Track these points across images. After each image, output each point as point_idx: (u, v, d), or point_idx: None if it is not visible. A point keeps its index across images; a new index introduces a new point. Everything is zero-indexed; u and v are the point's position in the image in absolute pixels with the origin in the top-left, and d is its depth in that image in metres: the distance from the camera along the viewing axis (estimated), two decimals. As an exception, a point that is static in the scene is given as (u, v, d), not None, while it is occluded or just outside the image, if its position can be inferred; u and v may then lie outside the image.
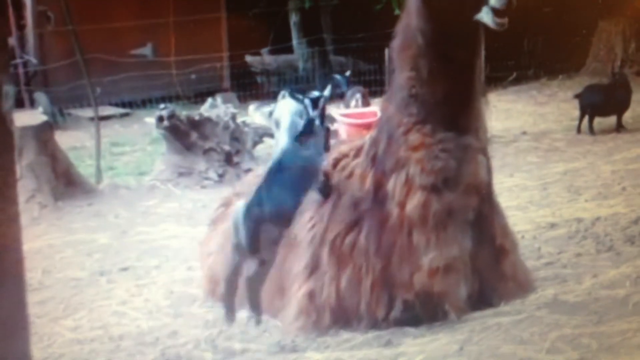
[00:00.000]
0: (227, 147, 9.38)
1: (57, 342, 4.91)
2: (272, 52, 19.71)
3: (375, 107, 9.91)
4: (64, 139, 11.21)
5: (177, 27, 16.66)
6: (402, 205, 4.41)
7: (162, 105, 9.95)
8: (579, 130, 10.50)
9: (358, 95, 10.56)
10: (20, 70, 15.05)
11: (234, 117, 9.74)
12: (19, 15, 15.38)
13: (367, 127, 7.91)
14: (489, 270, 4.59)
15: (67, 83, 14.40)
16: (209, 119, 9.46)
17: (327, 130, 4.84)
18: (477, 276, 4.54)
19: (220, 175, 9.24)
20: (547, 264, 5.29)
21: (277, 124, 9.15)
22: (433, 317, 4.43)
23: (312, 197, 4.66)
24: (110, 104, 15.42)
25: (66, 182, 8.54)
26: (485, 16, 4.14)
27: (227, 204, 5.56)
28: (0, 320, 2.63)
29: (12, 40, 14.93)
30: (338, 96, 10.41)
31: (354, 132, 9.09)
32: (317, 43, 18.69)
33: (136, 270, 6.24)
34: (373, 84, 14.84)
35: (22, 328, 2.79)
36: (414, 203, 4.39)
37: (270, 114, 11.36)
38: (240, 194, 5.50)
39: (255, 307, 4.69)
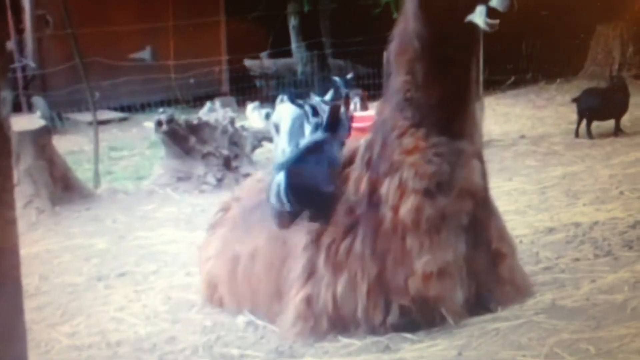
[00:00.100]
0: (225, 152, 9.37)
1: (55, 349, 4.90)
2: (271, 55, 19.71)
3: (374, 110, 9.90)
4: (62, 143, 11.22)
5: (176, 31, 16.66)
6: (395, 210, 4.41)
7: (160, 110, 9.94)
8: (577, 134, 10.50)
9: (356, 99, 10.54)
10: (19, 74, 15.05)
11: (232, 122, 9.73)
12: (18, 19, 15.38)
13: (365, 130, 7.90)
14: (485, 275, 4.59)
15: (65, 87, 14.39)
16: (207, 123, 9.45)
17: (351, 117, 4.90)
18: (474, 281, 4.54)
19: (219, 180, 9.23)
20: (545, 269, 5.28)
21: (277, 128, 9.14)
22: (430, 322, 4.43)
23: None
24: (109, 108, 15.42)
25: (64, 187, 8.52)
26: (477, 17, 4.15)
27: (226, 208, 5.56)
28: (-3, 326, 2.63)
29: (11, 44, 14.93)
30: (338, 98, 10.38)
31: (352, 136, 9.07)
32: (316, 47, 18.69)
33: (134, 276, 6.23)
34: (372, 88, 14.84)
35: (19, 334, 2.78)
36: (407, 207, 4.38)
37: (267, 115, 11.36)
38: (239, 198, 5.51)
39: None
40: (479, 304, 4.56)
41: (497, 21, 4.13)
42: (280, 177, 4.60)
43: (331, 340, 4.46)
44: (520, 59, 16.94)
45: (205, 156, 9.28)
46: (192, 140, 9.26)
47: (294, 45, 19.01)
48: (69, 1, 11.60)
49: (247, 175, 8.40)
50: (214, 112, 9.94)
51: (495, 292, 4.60)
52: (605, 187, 7.46)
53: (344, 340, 4.44)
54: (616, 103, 10.45)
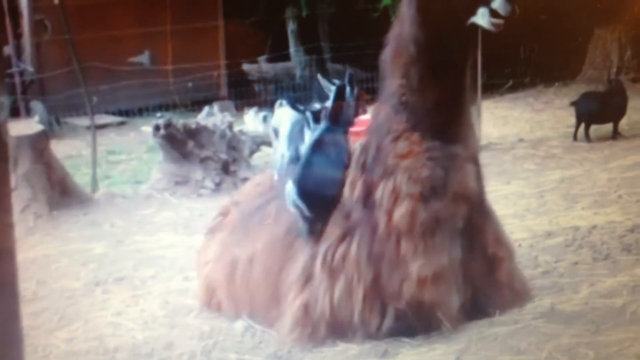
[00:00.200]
0: (223, 156, 9.36)
1: (52, 354, 4.88)
2: (270, 60, 19.70)
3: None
4: (60, 148, 11.20)
5: (174, 35, 16.66)
6: (389, 214, 4.40)
7: (159, 114, 9.93)
8: (575, 137, 10.49)
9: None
10: (17, 78, 15.04)
11: (230, 126, 9.72)
12: (16, 24, 15.38)
13: (362, 134, 7.89)
14: (482, 279, 4.58)
15: (63, 91, 14.38)
16: (205, 128, 9.44)
17: (357, 99, 4.88)
18: (470, 285, 4.53)
19: (217, 184, 9.21)
20: (544, 273, 5.28)
21: (276, 133, 9.12)
22: (426, 326, 4.42)
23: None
24: (107, 113, 15.40)
25: (62, 191, 8.51)
26: (481, 18, 4.14)
27: (224, 213, 5.55)
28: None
29: (9, 49, 14.93)
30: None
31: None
32: (315, 51, 18.68)
33: (132, 280, 6.21)
34: (370, 92, 14.83)
35: (16, 340, 2.77)
36: (401, 211, 4.38)
37: (265, 118, 11.33)
38: (237, 203, 5.50)
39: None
40: (477, 308, 4.55)
41: (501, 21, 4.10)
42: (290, 186, 4.58)
43: (329, 345, 4.45)
44: (519, 63, 16.92)
45: (203, 160, 9.27)
46: (190, 144, 9.25)
47: (292, 50, 18.99)
48: (67, 6, 11.60)
49: (245, 179, 8.39)
50: (212, 117, 9.93)
51: (493, 297, 4.59)
52: (603, 190, 7.46)
53: (342, 345, 4.43)
54: (614, 107, 10.44)
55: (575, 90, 13.75)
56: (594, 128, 10.47)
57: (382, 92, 4.63)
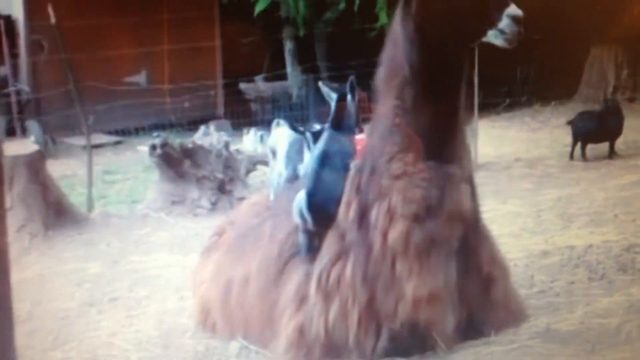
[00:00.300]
0: (220, 175, 9.36)
1: (46, 374, 4.87)
2: (267, 79, 19.74)
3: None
4: (56, 167, 11.18)
5: (171, 54, 16.70)
6: (384, 234, 4.38)
7: (155, 134, 9.93)
8: (571, 156, 10.51)
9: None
10: (13, 98, 15.05)
11: (227, 145, 9.72)
12: (13, 44, 15.41)
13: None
14: (477, 299, 4.56)
15: (59, 111, 14.39)
16: (201, 147, 9.44)
17: (358, 104, 4.91)
18: (465, 305, 4.50)
19: (213, 204, 9.21)
20: (540, 292, 5.26)
21: (273, 152, 9.12)
22: (422, 347, 4.39)
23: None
24: (103, 132, 15.40)
25: (57, 211, 8.50)
26: (493, 38, 4.15)
27: (220, 232, 5.54)
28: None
29: (5, 69, 14.97)
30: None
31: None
32: (312, 70, 18.72)
33: (127, 301, 6.19)
34: (367, 111, 14.84)
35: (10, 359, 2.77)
36: (396, 232, 4.36)
37: (261, 137, 11.33)
38: (233, 222, 5.49)
39: None
40: (473, 328, 4.53)
41: (515, 33, 4.12)
42: (302, 196, 4.57)
43: (325, 365, 4.43)
44: (515, 82, 16.96)
45: (199, 180, 9.27)
46: (187, 164, 9.25)
47: (289, 69, 19.03)
48: (64, 26, 11.64)
49: (241, 199, 8.39)
50: (208, 136, 9.93)
51: (488, 317, 4.57)
52: (599, 210, 7.45)
53: (337, 365, 4.41)
54: (610, 126, 10.46)
55: (572, 110, 13.77)
56: (590, 147, 10.49)
57: (376, 112, 4.62)
